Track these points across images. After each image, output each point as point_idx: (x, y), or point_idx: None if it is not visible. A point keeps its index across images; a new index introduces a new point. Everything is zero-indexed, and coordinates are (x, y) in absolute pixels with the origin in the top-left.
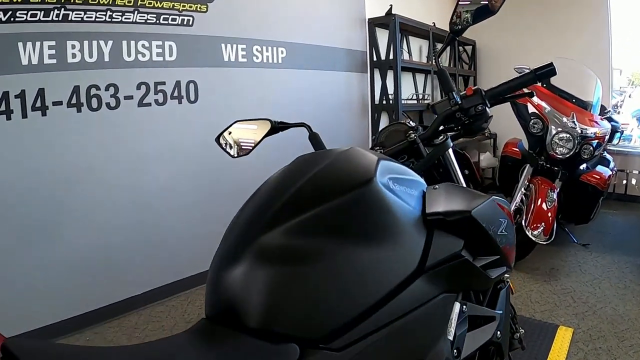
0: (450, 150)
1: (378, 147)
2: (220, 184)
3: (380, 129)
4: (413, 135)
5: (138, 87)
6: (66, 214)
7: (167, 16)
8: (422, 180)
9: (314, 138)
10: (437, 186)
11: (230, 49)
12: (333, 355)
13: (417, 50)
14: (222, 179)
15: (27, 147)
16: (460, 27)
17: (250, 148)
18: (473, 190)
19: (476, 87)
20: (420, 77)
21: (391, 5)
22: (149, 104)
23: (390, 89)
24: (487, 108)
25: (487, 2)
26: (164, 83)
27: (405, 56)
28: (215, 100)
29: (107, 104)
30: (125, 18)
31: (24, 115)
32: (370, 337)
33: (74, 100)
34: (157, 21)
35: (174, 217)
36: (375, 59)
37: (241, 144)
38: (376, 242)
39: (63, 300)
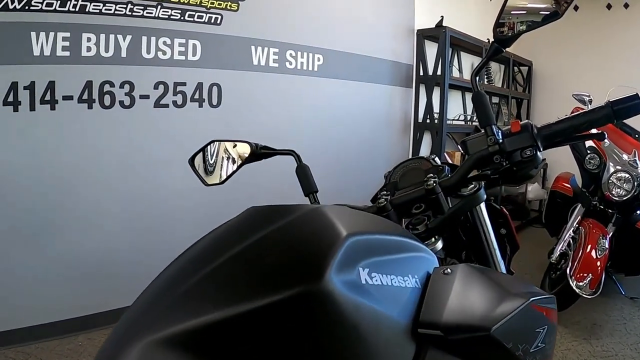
0: (482, 205)
1: (385, 193)
2: (237, 194)
3: (398, 163)
4: (432, 182)
5: (155, 87)
6: (67, 215)
7: (193, 13)
8: (429, 256)
9: (303, 172)
10: (449, 269)
11: (260, 52)
12: None
13: (468, 67)
14: (238, 189)
15: (32, 142)
16: (509, 34)
17: (225, 176)
18: (505, 279)
19: (525, 121)
20: (469, 97)
21: (442, 16)
22: (167, 105)
23: (436, 107)
24: (538, 152)
25: (554, 7)
26: (184, 84)
27: (455, 73)
28: (239, 106)
29: (121, 102)
30: (147, 12)
31: (32, 108)
32: None
33: (85, 96)
34: (182, 18)
35: (182, 226)
36: (421, 73)
37: (215, 169)
38: None
39: (58, 302)
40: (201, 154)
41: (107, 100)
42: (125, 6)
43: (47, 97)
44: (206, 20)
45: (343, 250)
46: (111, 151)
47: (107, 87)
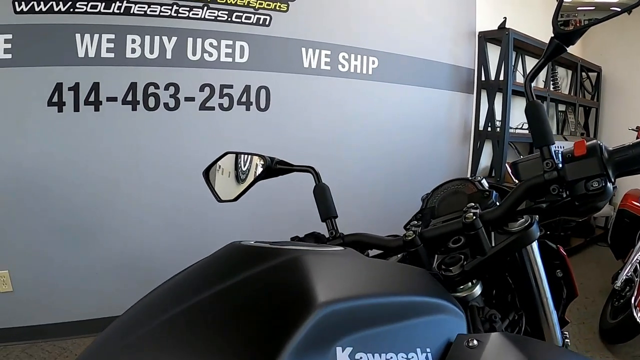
0: (535, 244)
1: (415, 223)
2: (282, 202)
3: (439, 184)
4: (472, 214)
5: (201, 89)
6: (111, 214)
7: (241, 14)
8: (452, 317)
9: (321, 193)
10: (476, 340)
11: (311, 55)
12: None
13: None
14: (285, 197)
15: (76, 142)
16: (572, 28)
17: (237, 193)
18: (551, 355)
19: (593, 142)
20: None
21: (505, 17)
22: (212, 108)
23: (498, 115)
24: (609, 184)
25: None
26: (231, 86)
27: (519, 78)
28: (289, 110)
29: (166, 104)
30: (193, 14)
31: (76, 109)
32: None
33: (129, 97)
34: (229, 19)
35: (224, 232)
36: (483, 78)
37: (229, 184)
38: None
39: (90, 301)
40: (216, 166)
41: (151, 102)
42: (170, 7)
43: (92, 98)
44: (254, 22)
45: (312, 324)
46: (155, 153)
47: (151, 89)
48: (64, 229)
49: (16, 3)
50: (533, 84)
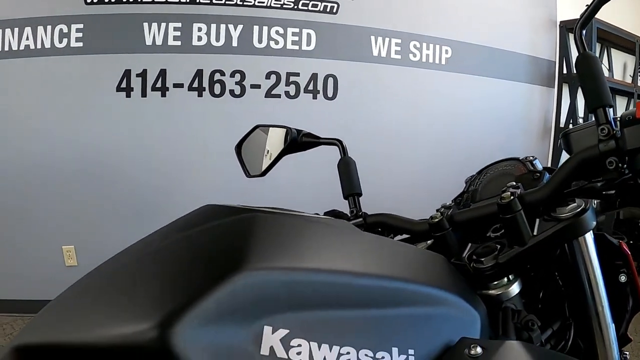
0: (589, 236)
1: (448, 204)
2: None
3: (486, 164)
4: (509, 194)
5: (267, 77)
6: (170, 198)
7: (307, 2)
8: (458, 313)
9: (346, 167)
10: (480, 347)
11: (381, 43)
12: None
13: (619, 66)
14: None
15: (142, 127)
16: None
17: (264, 167)
18: None
19: None
20: (621, 101)
21: (587, 5)
22: (278, 96)
23: (581, 111)
24: None
25: None
26: (297, 74)
27: (604, 72)
28: (357, 99)
29: (231, 91)
30: (259, 2)
31: (144, 94)
32: None
33: (195, 84)
34: (295, 6)
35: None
36: (565, 71)
37: (257, 158)
38: None
39: None
40: (247, 140)
41: (217, 88)
42: None
43: (158, 85)
44: (321, 9)
45: (231, 289)
46: (220, 137)
47: (217, 76)
48: (128, 208)
49: None
50: (620, 78)
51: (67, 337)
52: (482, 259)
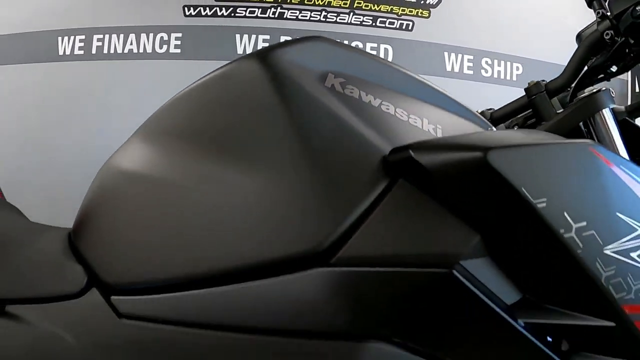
0: (607, 113)
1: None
2: None
3: None
4: (532, 81)
5: None
6: None
7: (385, 19)
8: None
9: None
10: None
11: (454, 59)
12: None
13: None
14: None
15: None
16: None
17: None
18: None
19: None
20: None
21: None
22: None
23: None
24: None
25: None
26: None
27: None
28: None
29: None
30: (340, 19)
31: None
32: None
33: None
34: (373, 23)
35: None
36: (637, 89)
37: None
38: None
39: None
40: None
41: None
42: (319, 13)
43: None
44: (397, 26)
45: (304, 44)
46: None
47: None
48: None
49: (186, 8)
50: None
51: None
52: None
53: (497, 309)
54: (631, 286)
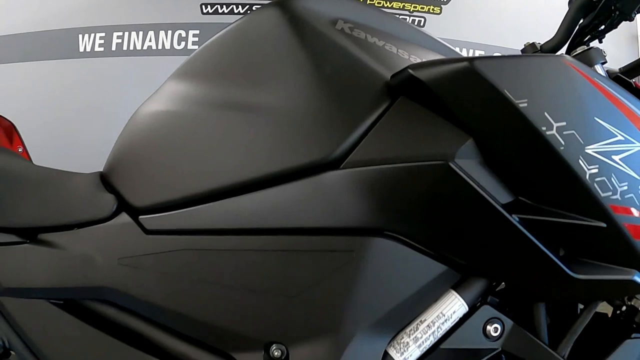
0: (599, 68)
1: None
2: None
3: None
4: (528, 42)
5: None
6: None
7: (397, 16)
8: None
9: None
10: None
11: (465, 54)
12: None
13: None
14: None
15: None
16: None
17: None
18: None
19: None
20: None
21: None
22: None
23: None
24: None
25: None
26: None
27: None
28: None
29: None
30: None
31: None
32: None
33: None
34: None
35: None
36: None
37: None
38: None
39: None
40: None
41: None
42: None
43: None
44: (409, 22)
45: None
46: None
47: None
48: None
49: (203, 6)
50: None
51: None
52: None
53: (492, 201)
54: (616, 187)
